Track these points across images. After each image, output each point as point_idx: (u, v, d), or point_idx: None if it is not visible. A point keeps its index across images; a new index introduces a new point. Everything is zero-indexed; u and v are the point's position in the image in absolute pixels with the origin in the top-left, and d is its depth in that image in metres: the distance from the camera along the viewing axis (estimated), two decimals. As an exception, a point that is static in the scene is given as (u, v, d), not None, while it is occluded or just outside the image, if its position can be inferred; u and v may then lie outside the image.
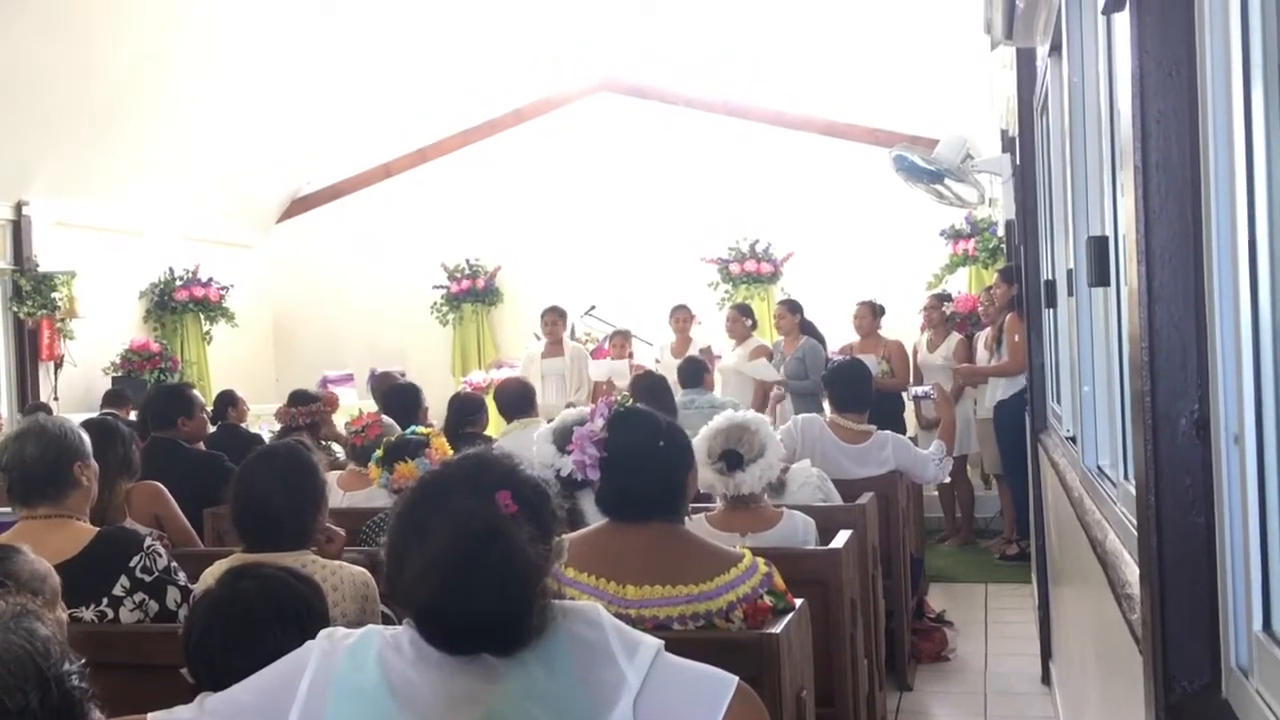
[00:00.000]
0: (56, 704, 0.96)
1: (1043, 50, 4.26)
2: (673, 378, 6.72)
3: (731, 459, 3.52)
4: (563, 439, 3.52)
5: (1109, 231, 2.66)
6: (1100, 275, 2.61)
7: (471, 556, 1.53)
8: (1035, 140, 5.03)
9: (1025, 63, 5.07)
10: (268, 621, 2.01)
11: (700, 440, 3.55)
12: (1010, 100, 6.06)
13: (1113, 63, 2.47)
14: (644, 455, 2.48)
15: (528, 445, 4.45)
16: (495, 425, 6.03)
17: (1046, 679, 4.98)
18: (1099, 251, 2.61)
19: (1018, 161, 5.73)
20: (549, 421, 4.17)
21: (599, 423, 2.55)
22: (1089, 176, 3.11)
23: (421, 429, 4.39)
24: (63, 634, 1.93)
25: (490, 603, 1.51)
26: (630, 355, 8.66)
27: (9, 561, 1.99)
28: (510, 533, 1.54)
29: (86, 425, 3.24)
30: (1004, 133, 7.34)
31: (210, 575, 2.63)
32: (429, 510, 1.60)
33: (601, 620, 1.61)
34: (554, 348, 8.29)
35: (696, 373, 6.68)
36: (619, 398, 2.71)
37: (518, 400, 5.59)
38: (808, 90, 9.76)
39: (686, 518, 2.63)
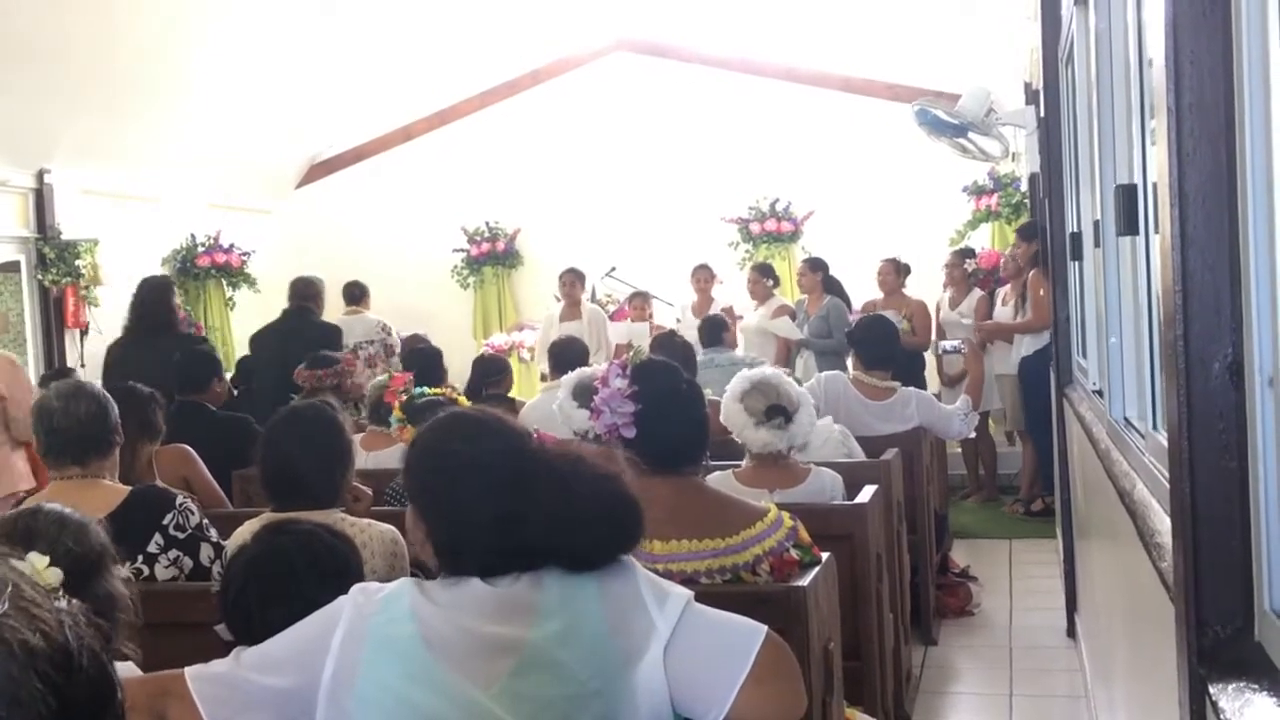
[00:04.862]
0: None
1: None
2: (694, 338, 6.70)
3: (780, 413, 3.38)
4: (586, 399, 3.50)
5: (1137, 180, 2.63)
6: (1129, 224, 2.59)
7: (586, 486, 1.66)
8: (1060, 91, 4.96)
9: (1050, 13, 5.00)
10: (307, 577, 2.02)
11: (734, 401, 3.46)
12: (1034, 52, 5.98)
13: (1141, 7, 2.43)
14: (675, 400, 2.49)
15: (552, 409, 4.46)
16: (519, 386, 6.03)
17: (1072, 632, 4.99)
18: (1128, 200, 2.58)
19: (1042, 114, 5.67)
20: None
21: (620, 382, 2.53)
22: (1116, 126, 3.07)
23: (430, 390, 4.36)
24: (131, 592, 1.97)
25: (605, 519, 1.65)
26: (650, 316, 8.65)
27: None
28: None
29: (109, 390, 3.27)
30: (1027, 85, 7.25)
31: (243, 533, 2.66)
32: (480, 467, 1.67)
33: (633, 570, 1.62)
34: (572, 310, 8.29)
35: (717, 331, 6.68)
36: (629, 355, 2.69)
37: (569, 357, 5.50)
38: (826, 47, 9.64)
39: (715, 474, 2.64)
